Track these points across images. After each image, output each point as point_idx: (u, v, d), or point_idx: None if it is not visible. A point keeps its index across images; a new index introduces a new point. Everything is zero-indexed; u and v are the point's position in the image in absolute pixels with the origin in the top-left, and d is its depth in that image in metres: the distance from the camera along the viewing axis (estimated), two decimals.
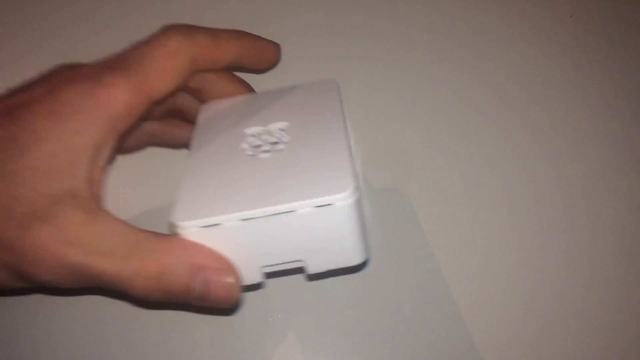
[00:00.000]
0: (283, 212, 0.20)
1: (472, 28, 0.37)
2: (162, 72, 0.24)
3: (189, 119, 0.29)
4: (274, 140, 0.24)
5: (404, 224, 0.33)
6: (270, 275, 0.22)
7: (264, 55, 0.30)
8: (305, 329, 0.30)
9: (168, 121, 0.30)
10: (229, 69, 0.29)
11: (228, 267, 0.21)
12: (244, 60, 0.29)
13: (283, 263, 0.21)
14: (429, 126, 0.35)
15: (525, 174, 0.34)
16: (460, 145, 0.34)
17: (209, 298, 0.21)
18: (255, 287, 0.23)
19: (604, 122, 0.36)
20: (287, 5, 0.37)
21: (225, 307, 0.22)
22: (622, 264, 0.32)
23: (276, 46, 0.31)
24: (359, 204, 0.21)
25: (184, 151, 0.32)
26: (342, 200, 0.20)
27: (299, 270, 0.22)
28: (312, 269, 0.22)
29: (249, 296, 0.30)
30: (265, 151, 0.24)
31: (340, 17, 0.37)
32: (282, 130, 0.25)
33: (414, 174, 0.34)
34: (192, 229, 0.21)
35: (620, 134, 0.35)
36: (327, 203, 0.20)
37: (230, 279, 0.21)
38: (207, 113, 0.27)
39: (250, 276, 0.22)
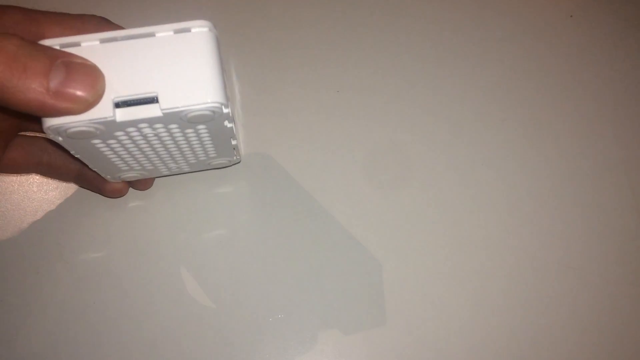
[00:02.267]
0: (143, 35, 0.21)
1: (472, 28, 0.37)
2: None
3: None
4: None
5: (404, 224, 0.33)
6: (122, 107, 0.22)
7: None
8: (305, 329, 0.30)
9: None
10: None
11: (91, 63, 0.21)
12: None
13: (135, 95, 0.21)
14: (429, 126, 0.35)
15: (525, 173, 0.34)
16: (461, 146, 0.34)
17: (65, 91, 0.20)
18: (107, 130, 0.22)
19: (604, 121, 0.36)
20: (288, 4, 0.37)
21: (75, 109, 0.21)
22: (622, 264, 0.32)
23: (101, 21, 0.25)
24: (217, 40, 0.22)
25: None
26: (201, 27, 0.21)
27: (152, 104, 0.22)
28: (165, 103, 0.22)
29: (249, 296, 0.30)
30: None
31: (339, 17, 0.37)
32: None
33: (414, 174, 0.34)
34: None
35: (620, 133, 0.35)
36: (186, 27, 0.21)
37: (93, 69, 0.20)
38: None
39: (100, 109, 0.21)
